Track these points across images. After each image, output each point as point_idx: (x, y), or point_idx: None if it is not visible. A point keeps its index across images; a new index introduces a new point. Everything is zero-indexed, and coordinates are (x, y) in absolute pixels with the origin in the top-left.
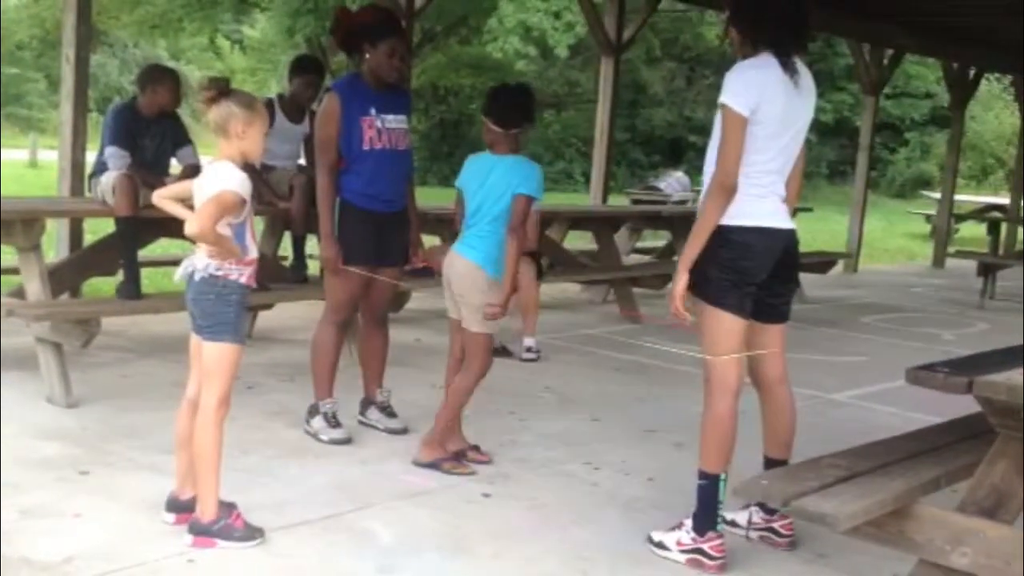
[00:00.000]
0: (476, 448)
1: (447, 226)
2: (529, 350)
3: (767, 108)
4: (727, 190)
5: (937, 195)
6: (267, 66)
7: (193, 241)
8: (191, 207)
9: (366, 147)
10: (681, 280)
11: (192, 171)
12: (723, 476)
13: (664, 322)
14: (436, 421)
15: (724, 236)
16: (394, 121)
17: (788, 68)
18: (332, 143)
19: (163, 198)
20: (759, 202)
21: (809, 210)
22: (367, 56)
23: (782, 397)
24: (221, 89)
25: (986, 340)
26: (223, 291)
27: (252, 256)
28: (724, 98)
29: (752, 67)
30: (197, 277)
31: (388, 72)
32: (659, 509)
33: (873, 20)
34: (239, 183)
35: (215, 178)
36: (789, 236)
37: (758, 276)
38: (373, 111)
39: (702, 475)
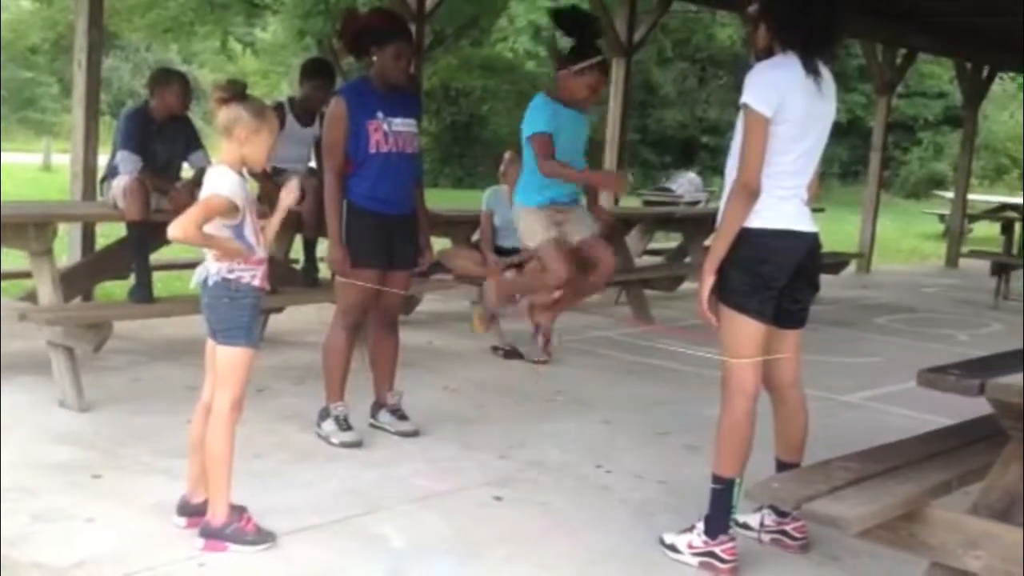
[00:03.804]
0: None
1: (458, 228)
2: (543, 349)
3: (789, 109)
4: (750, 192)
5: (950, 195)
6: (279, 68)
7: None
8: None
9: (373, 150)
10: (707, 283)
11: (203, 175)
12: (738, 480)
13: (672, 329)
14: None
15: (746, 239)
16: (402, 124)
17: (811, 70)
18: (338, 147)
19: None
20: (782, 204)
21: (821, 211)
22: (374, 59)
23: (794, 400)
24: (235, 92)
25: (1000, 341)
26: (236, 295)
27: (260, 256)
28: (746, 98)
29: (774, 67)
30: (210, 282)
31: (395, 75)
32: (671, 512)
33: (886, 20)
34: (230, 187)
35: (208, 181)
36: (812, 240)
37: (780, 280)
38: (380, 114)
39: (716, 479)
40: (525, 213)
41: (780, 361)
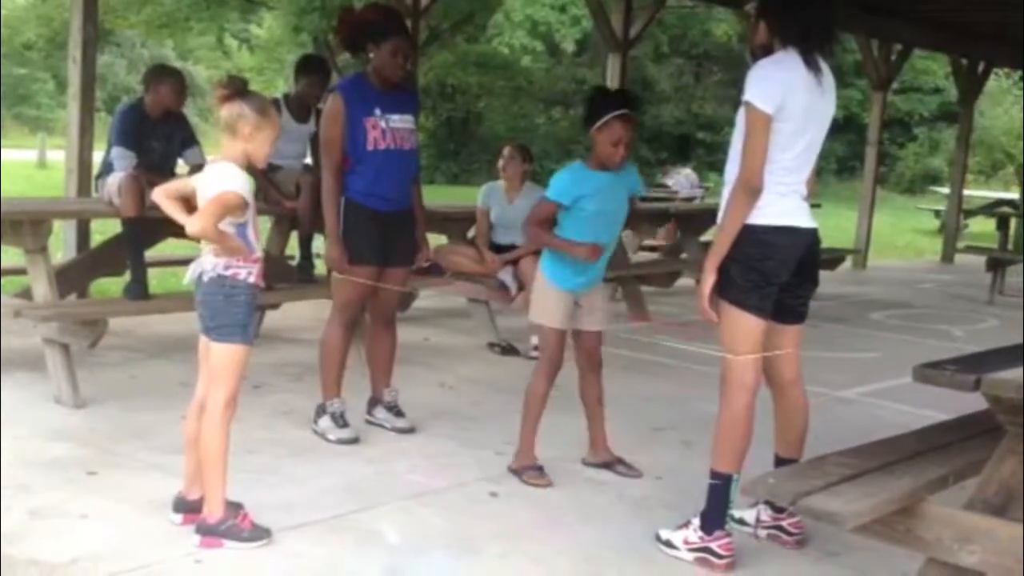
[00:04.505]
0: (621, 461)
1: (454, 224)
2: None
3: (791, 106)
4: (752, 190)
5: (946, 191)
6: (274, 65)
7: (197, 240)
8: (193, 205)
9: (370, 147)
10: (708, 280)
11: (198, 172)
12: (736, 476)
13: (669, 324)
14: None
15: (748, 235)
16: (399, 121)
17: (812, 66)
18: (336, 144)
19: (164, 195)
20: (782, 200)
21: (818, 206)
22: (371, 55)
23: (795, 397)
24: (237, 88)
25: (996, 336)
26: (231, 291)
27: (257, 254)
28: (748, 96)
29: (776, 64)
30: (206, 278)
31: (392, 71)
32: (667, 508)
33: (881, 15)
34: (241, 184)
35: (217, 178)
36: (811, 235)
37: (781, 276)
38: (378, 111)
39: (714, 475)
40: (546, 288)
41: (782, 357)
